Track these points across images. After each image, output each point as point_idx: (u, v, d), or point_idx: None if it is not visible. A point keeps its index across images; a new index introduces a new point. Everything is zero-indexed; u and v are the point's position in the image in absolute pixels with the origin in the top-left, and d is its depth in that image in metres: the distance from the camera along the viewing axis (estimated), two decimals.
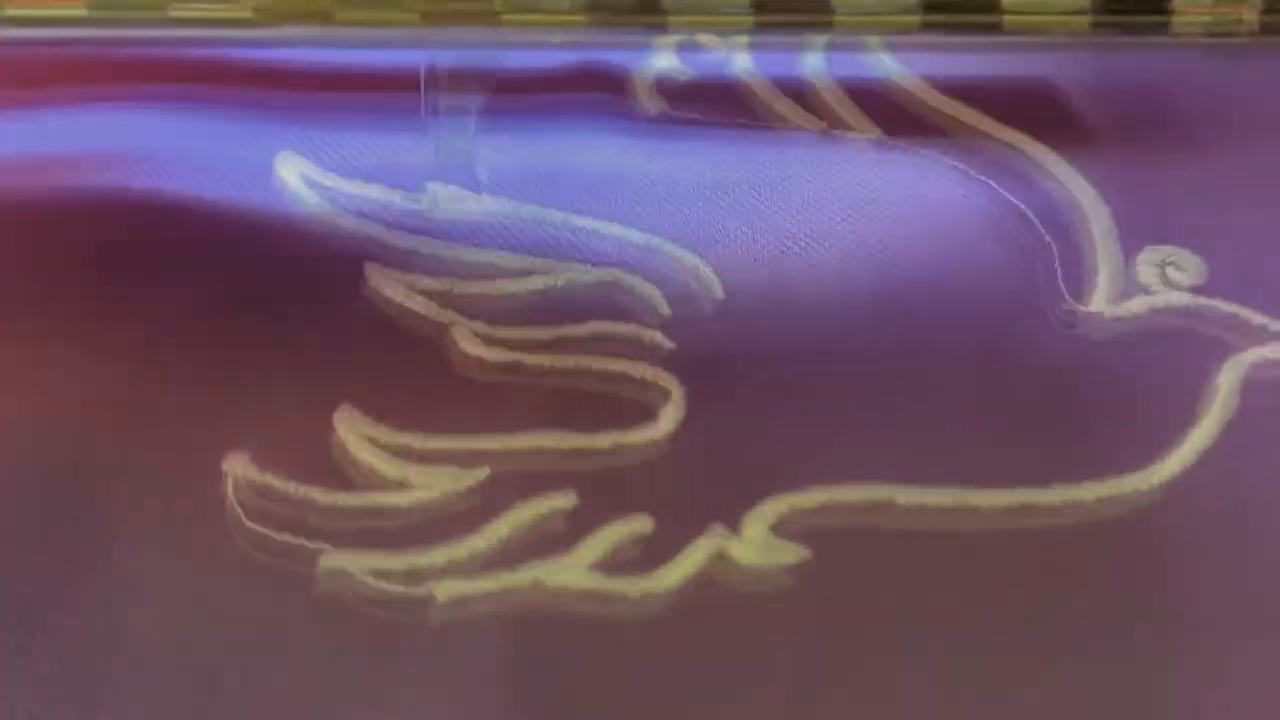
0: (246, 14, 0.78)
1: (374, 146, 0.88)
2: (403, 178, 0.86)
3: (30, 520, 0.69)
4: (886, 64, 0.96)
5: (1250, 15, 0.76)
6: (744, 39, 0.97)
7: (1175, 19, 0.76)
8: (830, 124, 0.91)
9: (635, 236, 0.83)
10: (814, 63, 0.96)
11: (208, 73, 0.94)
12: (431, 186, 0.86)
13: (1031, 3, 0.78)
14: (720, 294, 0.80)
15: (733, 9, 0.79)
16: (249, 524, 0.69)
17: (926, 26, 0.78)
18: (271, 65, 0.95)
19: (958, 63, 0.96)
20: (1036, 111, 0.92)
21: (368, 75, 0.92)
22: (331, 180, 0.86)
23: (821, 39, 0.97)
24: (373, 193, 0.85)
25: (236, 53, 0.95)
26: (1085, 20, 0.77)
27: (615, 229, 0.83)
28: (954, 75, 0.95)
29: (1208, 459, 0.71)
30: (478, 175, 0.87)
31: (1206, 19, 0.77)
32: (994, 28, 0.77)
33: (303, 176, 0.86)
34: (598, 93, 0.93)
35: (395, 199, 0.85)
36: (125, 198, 0.85)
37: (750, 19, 0.77)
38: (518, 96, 0.93)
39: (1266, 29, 0.78)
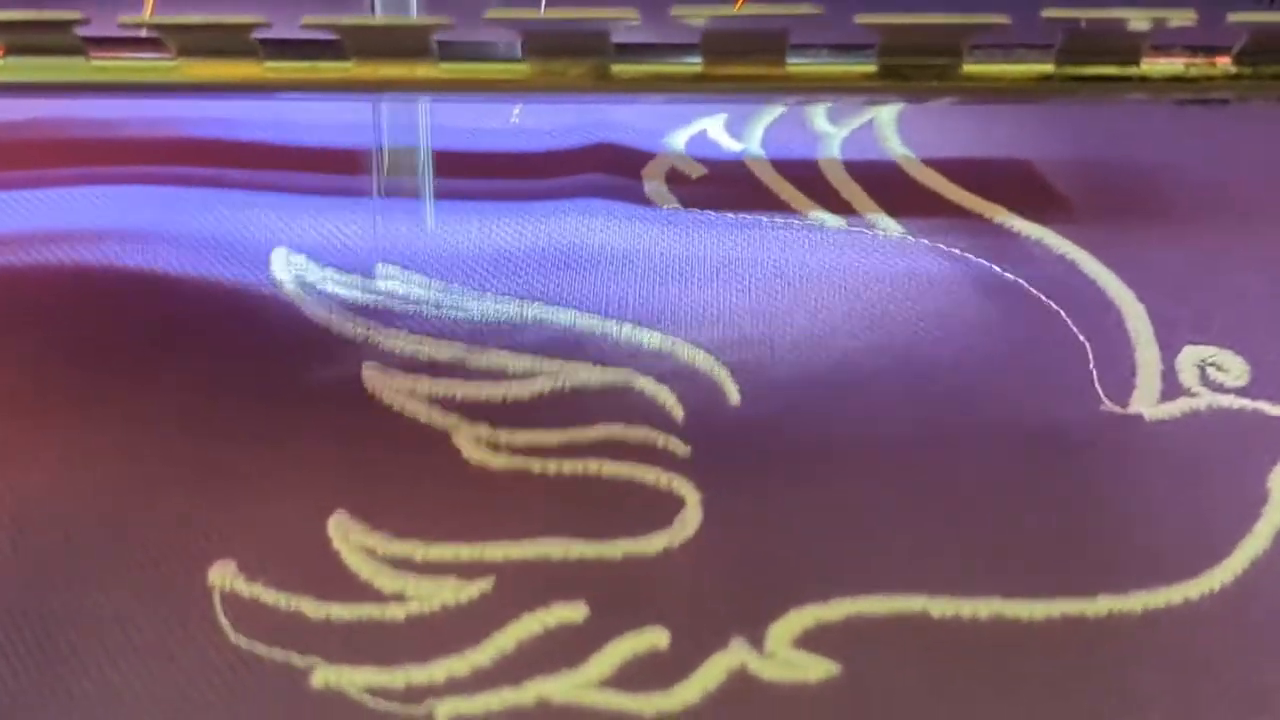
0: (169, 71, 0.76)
1: (358, 229, 0.85)
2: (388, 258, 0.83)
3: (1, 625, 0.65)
4: (895, 147, 0.93)
5: (1222, 67, 0.75)
6: (759, 129, 0.95)
7: (1146, 68, 0.75)
8: (848, 214, 0.88)
9: (646, 337, 0.79)
10: (828, 148, 0.93)
11: (205, 153, 0.92)
12: (432, 285, 0.82)
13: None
14: (737, 397, 0.76)
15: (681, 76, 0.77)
16: (237, 637, 0.64)
17: (885, 89, 0.76)
18: (261, 145, 0.93)
19: (958, 142, 0.93)
20: (1055, 200, 0.88)
21: (322, 154, 0.90)
22: (326, 276, 0.83)
23: (832, 126, 0.94)
24: (366, 287, 0.82)
25: (228, 132, 0.93)
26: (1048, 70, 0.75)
27: (626, 329, 0.79)
28: (958, 157, 0.92)
29: (1261, 566, 0.67)
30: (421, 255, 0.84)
31: (1178, 68, 0.75)
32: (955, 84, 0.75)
33: (296, 276, 0.83)
34: (609, 176, 0.89)
35: (393, 295, 0.81)
36: (119, 280, 0.82)
37: (702, 84, 0.75)
38: (524, 179, 0.90)
39: (1238, 80, 0.76)
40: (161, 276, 0.82)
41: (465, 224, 0.86)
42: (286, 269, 0.83)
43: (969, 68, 0.76)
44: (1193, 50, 0.76)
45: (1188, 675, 0.63)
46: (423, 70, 0.76)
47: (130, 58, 0.77)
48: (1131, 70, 0.76)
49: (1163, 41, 0.76)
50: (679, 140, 0.94)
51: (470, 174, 0.92)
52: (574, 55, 0.75)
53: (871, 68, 0.75)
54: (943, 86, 0.77)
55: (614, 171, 0.91)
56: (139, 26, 0.74)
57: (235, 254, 0.84)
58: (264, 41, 0.75)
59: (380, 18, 0.83)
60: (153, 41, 0.76)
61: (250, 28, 0.74)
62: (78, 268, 0.83)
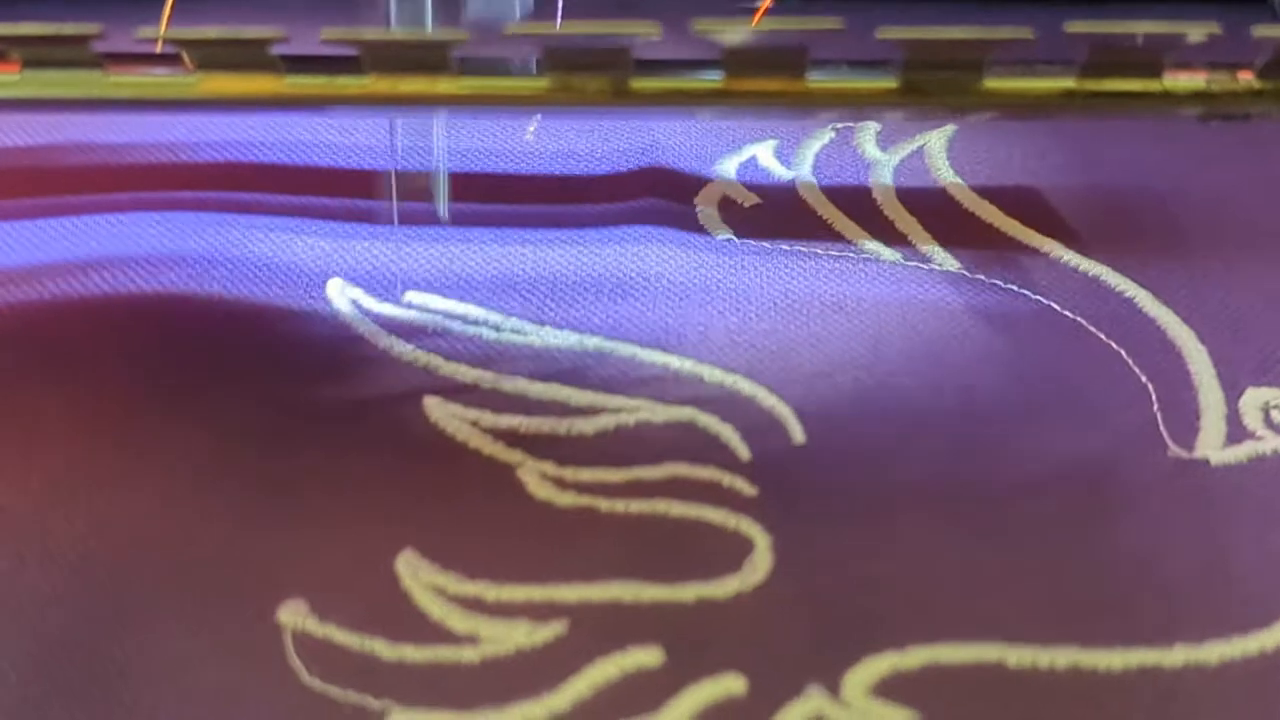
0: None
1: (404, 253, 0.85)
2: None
3: (59, 666, 0.64)
4: (946, 175, 0.92)
5: (1245, 82, 0.75)
6: (809, 155, 0.94)
7: (1168, 83, 0.75)
8: (903, 244, 0.87)
9: (708, 373, 0.78)
10: (880, 175, 0.93)
11: (235, 178, 0.91)
12: (491, 316, 0.82)
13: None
14: (801, 435, 0.75)
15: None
16: (310, 679, 0.64)
17: (905, 104, 0.76)
18: (295, 169, 0.92)
19: (1009, 172, 0.93)
20: (1111, 234, 0.88)
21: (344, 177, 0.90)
22: (384, 306, 0.82)
23: (882, 153, 0.94)
24: (426, 316, 0.81)
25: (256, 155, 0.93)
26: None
27: (687, 364, 0.79)
28: (1010, 186, 0.91)
29: None
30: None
31: (1200, 84, 0.75)
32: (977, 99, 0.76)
33: (354, 302, 0.82)
34: (663, 201, 0.89)
35: (454, 324, 0.81)
36: (174, 307, 0.81)
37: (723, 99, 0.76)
38: (575, 204, 0.90)
39: (1261, 96, 0.76)
40: (217, 303, 0.82)
41: (516, 250, 0.86)
42: (342, 294, 0.82)
43: (990, 83, 0.76)
44: (1214, 66, 0.77)
45: None
46: (443, 85, 0.76)
47: (148, 73, 0.77)
48: (1154, 85, 0.76)
49: (1185, 57, 0.76)
50: (729, 167, 0.94)
51: (517, 199, 0.91)
52: (592, 70, 0.75)
53: (893, 83, 0.76)
54: (963, 102, 0.77)
55: (667, 197, 0.90)
56: (155, 41, 0.74)
57: (290, 280, 0.84)
58: (283, 57, 0.75)
59: (399, 31, 0.83)
60: (171, 59, 0.76)
61: (269, 42, 0.74)
62: (129, 296, 0.82)
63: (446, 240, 0.86)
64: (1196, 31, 0.73)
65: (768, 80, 0.76)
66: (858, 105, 0.79)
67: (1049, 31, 0.72)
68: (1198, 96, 0.76)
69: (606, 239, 0.87)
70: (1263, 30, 0.73)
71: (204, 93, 0.76)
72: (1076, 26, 0.73)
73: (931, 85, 0.76)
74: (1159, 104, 0.76)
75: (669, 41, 0.72)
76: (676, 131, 0.96)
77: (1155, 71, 0.75)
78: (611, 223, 0.88)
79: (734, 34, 0.73)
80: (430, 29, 0.83)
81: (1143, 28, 0.74)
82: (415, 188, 0.88)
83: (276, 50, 0.74)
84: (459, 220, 0.88)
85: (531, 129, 0.95)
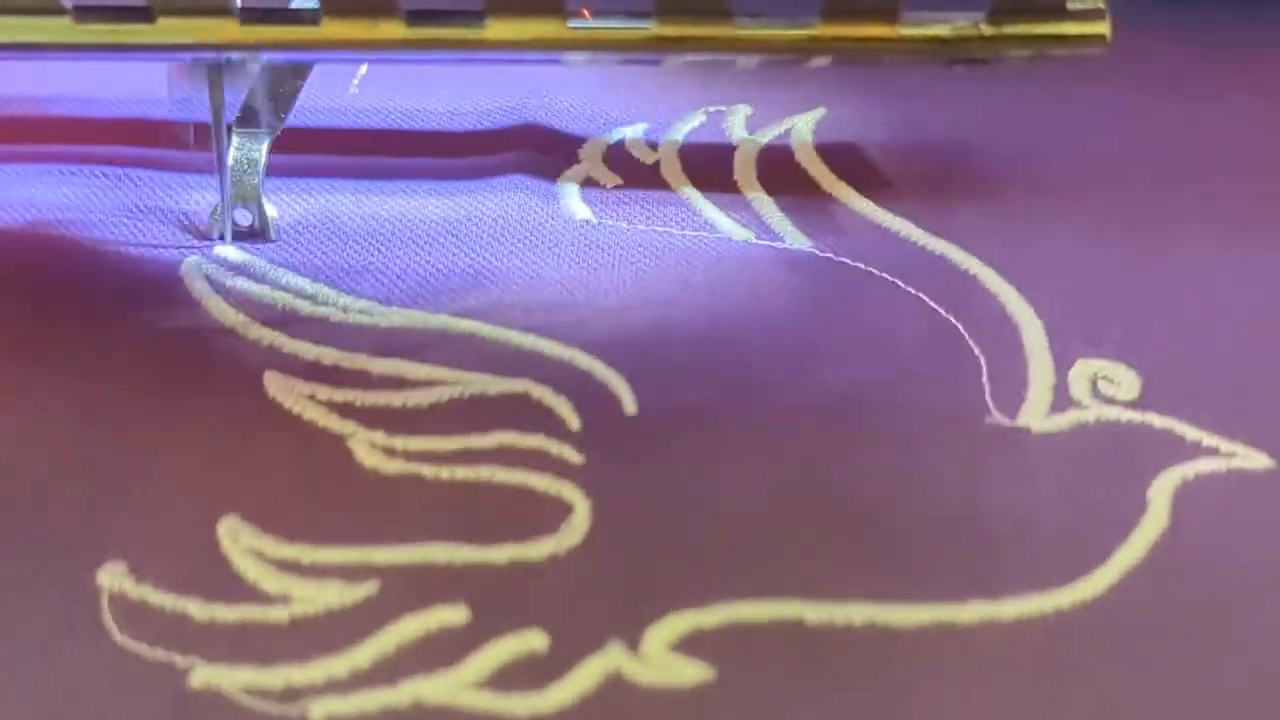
0: None
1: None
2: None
3: None
4: (809, 156, 0.94)
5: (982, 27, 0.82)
6: (678, 137, 0.96)
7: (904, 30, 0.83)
8: (756, 225, 0.89)
9: (549, 348, 0.80)
10: (744, 156, 0.94)
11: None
12: (339, 296, 0.83)
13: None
14: (634, 407, 0.77)
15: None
16: (121, 638, 0.65)
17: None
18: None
19: (868, 153, 0.95)
20: (961, 211, 0.90)
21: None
22: (237, 281, 0.84)
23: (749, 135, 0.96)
24: (274, 283, 0.83)
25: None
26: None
27: (528, 339, 0.80)
28: (867, 169, 0.93)
29: (1135, 576, 0.68)
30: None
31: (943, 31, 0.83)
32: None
33: (208, 277, 0.84)
34: (526, 178, 0.91)
35: (301, 294, 0.83)
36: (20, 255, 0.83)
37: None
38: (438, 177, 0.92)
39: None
40: (67, 256, 0.84)
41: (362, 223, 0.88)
42: (198, 270, 0.85)
43: (742, 30, 0.83)
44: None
45: (1052, 684, 0.64)
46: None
47: None
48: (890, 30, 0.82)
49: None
50: (596, 149, 0.95)
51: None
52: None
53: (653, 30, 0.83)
54: (717, 45, 0.83)
55: (531, 174, 0.92)
56: None
57: (145, 249, 0.86)
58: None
59: None
60: None
61: None
62: None
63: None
64: None
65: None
66: (617, 50, 0.85)
67: None
68: (937, 41, 0.80)
69: (465, 218, 0.89)
70: None
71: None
72: None
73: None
74: (897, 48, 0.83)
75: None
76: (545, 111, 0.98)
77: (891, 18, 0.82)
78: (471, 200, 0.90)
79: None
80: None
81: None
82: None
83: None
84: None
85: (356, 82, 0.98)
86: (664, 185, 0.93)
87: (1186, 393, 0.77)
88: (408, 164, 0.94)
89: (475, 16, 0.83)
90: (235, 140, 0.86)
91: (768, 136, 0.97)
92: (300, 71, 0.92)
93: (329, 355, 0.79)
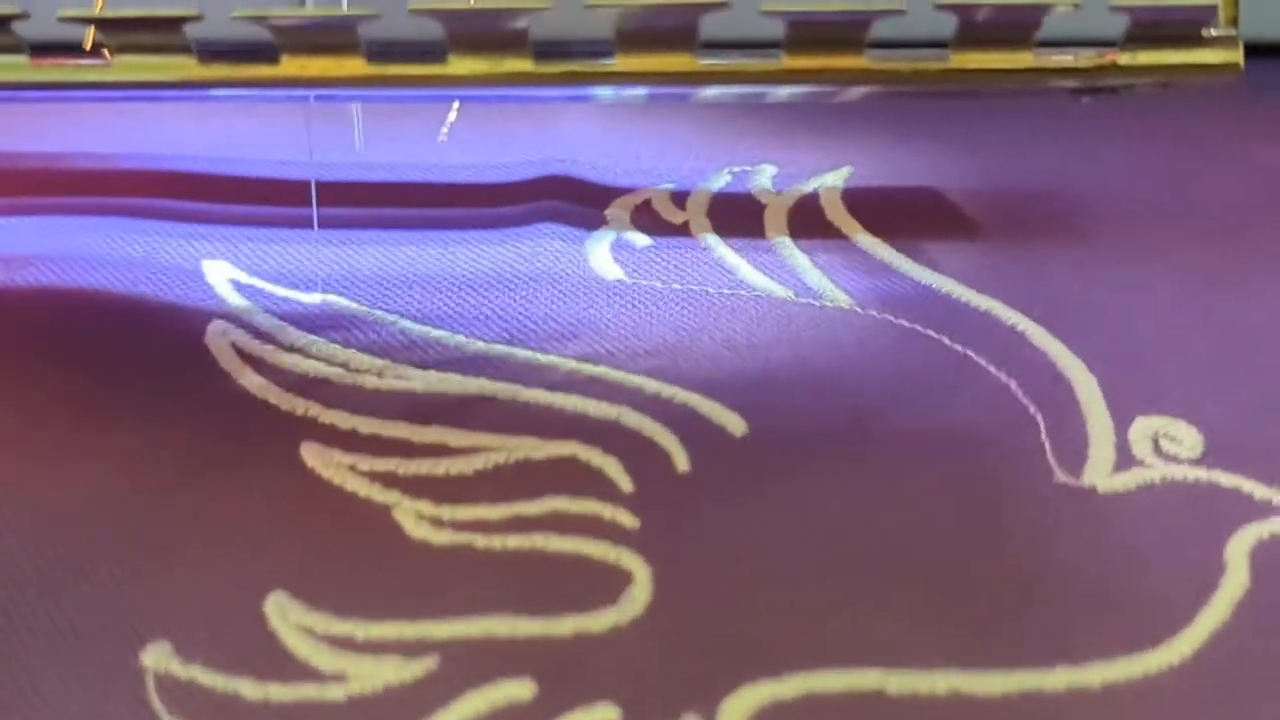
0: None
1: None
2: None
3: None
4: (839, 212, 0.93)
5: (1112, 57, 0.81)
6: (704, 197, 0.94)
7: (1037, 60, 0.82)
8: (794, 284, 0.87)
9: (593, 408, 0.77)
10: (773, 216, 0.92)
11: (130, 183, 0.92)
12: (372, 360, 0.81)
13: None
14: (686, 465, 0.74)
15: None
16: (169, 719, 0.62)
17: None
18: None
19: (903, 211, 0.93)
20: (1001, 269, 0.88)
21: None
22: (265, 349, 0.82)
23: (777, 194, 0.94)
24: (307, 351, 0.81)
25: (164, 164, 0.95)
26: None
27: (572, 400, 0.78)
28: (901, 225, 0.91)
29: (1220, 638, 0.66)
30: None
31: (1068, 60, 0.81)
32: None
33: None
34: (556, 243, 0.89)
35: (333, 362, 0.81)
36: (56, 333, 0.81)
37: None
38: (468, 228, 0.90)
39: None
40: (101, 317, 0.82)
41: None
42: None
43: (867, 62, 0.83)
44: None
45: None
46: (351, 66, 0.78)
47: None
48: (1023, 60, 0.82)
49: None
50: (623, 211, 0.93)
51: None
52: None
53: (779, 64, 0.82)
54: (843, 78, 0.83)
55: (561, 239, 0.90)
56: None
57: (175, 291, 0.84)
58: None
59: (310, 9, 0.85)
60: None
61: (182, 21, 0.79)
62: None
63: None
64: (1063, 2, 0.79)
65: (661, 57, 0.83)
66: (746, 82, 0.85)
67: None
68: (1068, 72, 0.79)
69: (496, 281, 0.87)
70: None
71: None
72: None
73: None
74: (1029, 79, 0.81)
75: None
76: (575, 170, 0.96)
77: (1025, 46, 0.81)
78: (504, 253, 0.88)
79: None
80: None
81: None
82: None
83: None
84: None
85: (445, 129, 0.96)
86: (695, 243, 0.91)
87: (1250, 449, 0.75)
88: (431, 215, 0.93)
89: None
90: None
91: (796, 194, 0.95)
92: None
93: (368, 425, 0.76)
